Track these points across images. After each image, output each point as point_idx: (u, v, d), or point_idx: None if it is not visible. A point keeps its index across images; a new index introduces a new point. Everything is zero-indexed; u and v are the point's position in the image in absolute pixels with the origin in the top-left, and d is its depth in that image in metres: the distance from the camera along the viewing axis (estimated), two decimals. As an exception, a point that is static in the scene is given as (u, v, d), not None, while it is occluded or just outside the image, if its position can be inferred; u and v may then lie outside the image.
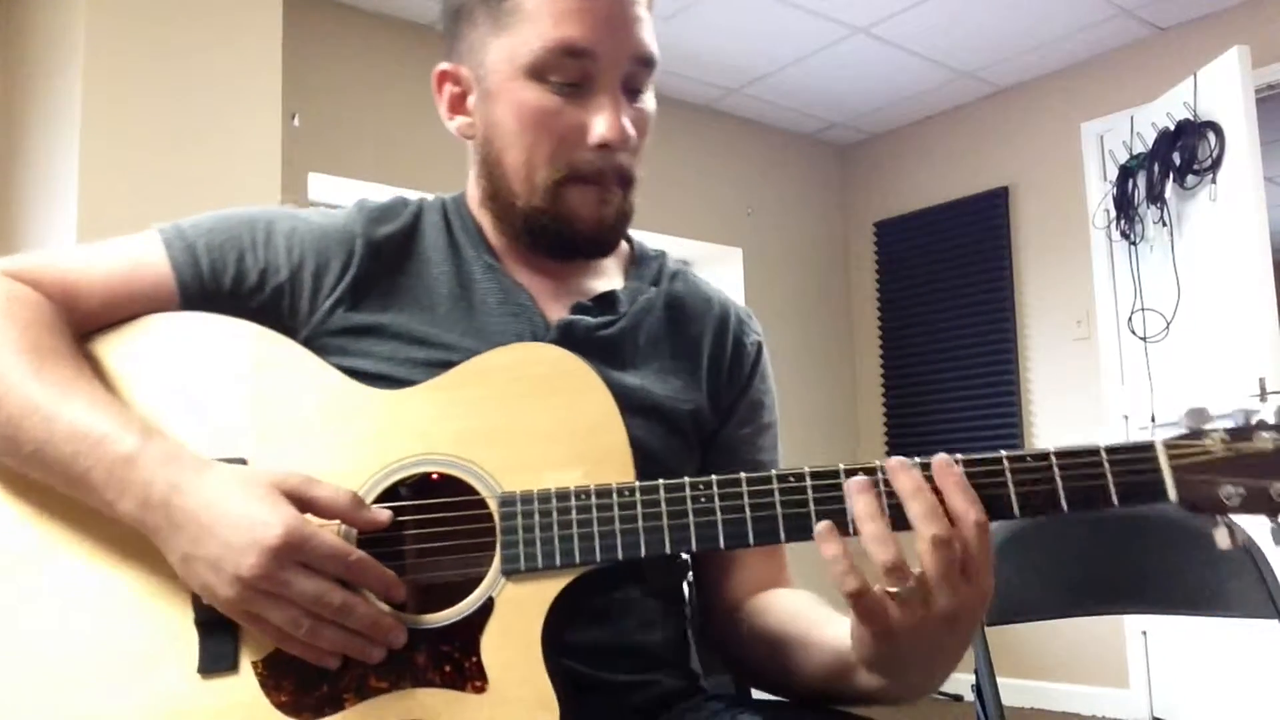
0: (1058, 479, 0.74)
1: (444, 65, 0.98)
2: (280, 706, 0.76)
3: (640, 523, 0.77)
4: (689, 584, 1.05)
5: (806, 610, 0.91)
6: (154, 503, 0.75)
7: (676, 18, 3.81)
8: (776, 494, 0.76)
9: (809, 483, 0.76)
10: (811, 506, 0.76)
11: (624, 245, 1.06)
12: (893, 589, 0.70)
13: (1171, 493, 0.73)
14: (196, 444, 0.80)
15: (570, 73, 0.89)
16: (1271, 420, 0.73)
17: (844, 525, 0.74)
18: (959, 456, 0.74)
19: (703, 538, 0.77)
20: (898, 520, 0.72)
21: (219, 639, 0.78)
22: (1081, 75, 4.27)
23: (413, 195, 1.04)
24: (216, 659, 0.77)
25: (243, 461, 0.81)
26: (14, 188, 2.83)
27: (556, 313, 0.97)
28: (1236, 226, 3.33)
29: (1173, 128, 3.58)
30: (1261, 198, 3.30)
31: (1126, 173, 3.85)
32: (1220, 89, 3.41)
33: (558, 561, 0.78)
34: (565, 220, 0.93)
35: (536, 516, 0.79)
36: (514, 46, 0.90)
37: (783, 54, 4.16)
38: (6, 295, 0.84)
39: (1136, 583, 1.40)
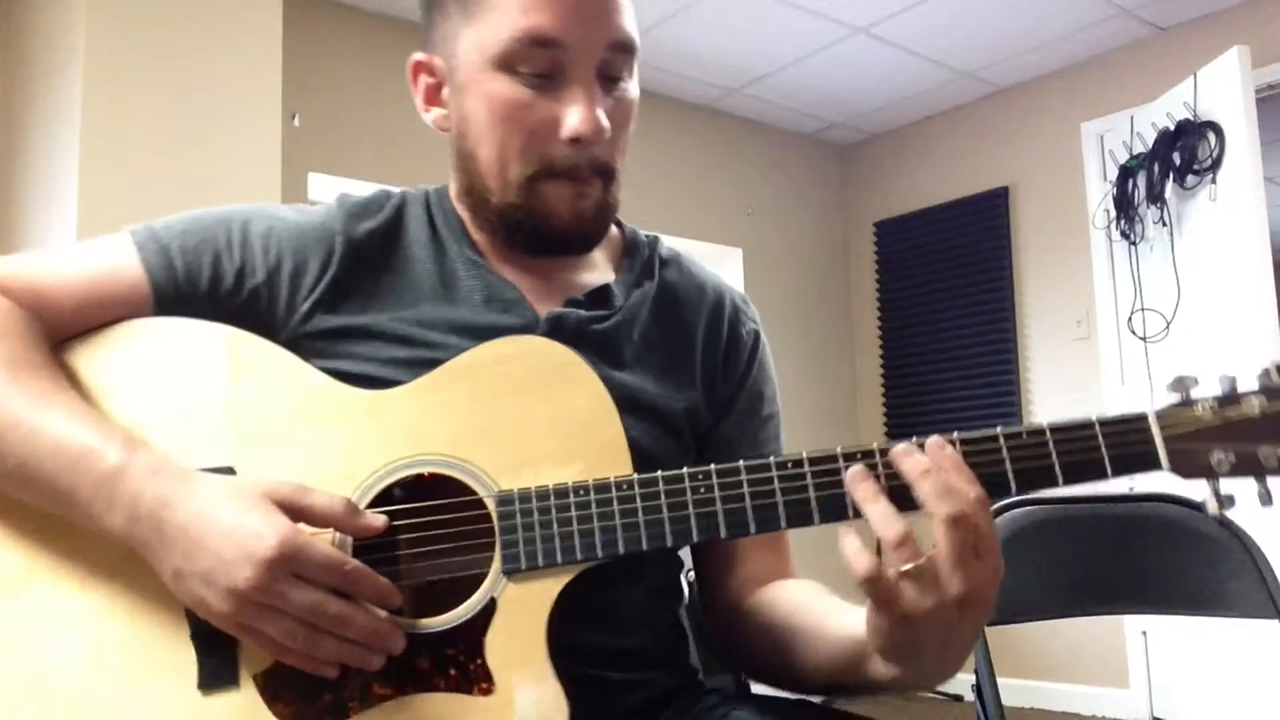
0: (1053, 453, 0.74)
1: (418, 56, 0.96)
2: (284, 718, 0.75)
3: (640, 516, 0.77)
4: (688, 581, 1.05)
5: (815, 600, 0.90)
6: (142, 517, 0.73)
7: (676, 18, 3.81)
8: (776, 481, 0.76)
9: (808, 468, 0.76)
10: (811, 493, 0.76)
11: (614, 233, 1.02)
12: (905, 566, 0.70)
13: (1164, 462, 0.74)
14: (179, 453, 0.78)
15: (540, 63, 0.86)
16: (1256, 385, 0.74)
17: (844, 510, 0.74)
18: (956, 436, 0.75)
19: (704, 528, 0.77)
20: (901, 503, 0.72)
21: (217, 653, 0.76)
22: (1081, 75, 4.27)
23: (396, 189, 1.01)
24: (216, 674, 0.76)
25: (229, 470, 0.80)
26: (14, 188, 2.83)
27: (546, 308, 0.94)
28: (1236, 226, 3.33)
29: (1173, 128, 3.58)
30: (1261, 198, 3.30)
31: (1126, 173, 3.85)
32: (1220, 89, 3.41)
33: (559, 559, 0.77)
34: (541, 217, 0.90)
35: (536, 514, 0.78)
36: (483, 37, 0.87)
37: (783, 54, 4.16)
38: None
39: (1136, 583, 1.40)
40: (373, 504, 0.80)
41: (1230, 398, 0.74)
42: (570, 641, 0.80)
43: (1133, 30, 4.01)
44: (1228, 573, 1.36)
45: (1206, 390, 0.75)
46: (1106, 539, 1.41)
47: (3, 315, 0.81)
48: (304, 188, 3.40)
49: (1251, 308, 3.24)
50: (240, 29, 2.78)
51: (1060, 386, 4.27)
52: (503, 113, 0.87)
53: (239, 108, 2.75)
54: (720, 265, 4.60)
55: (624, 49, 0.89)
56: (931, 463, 0.72)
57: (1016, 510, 1.39)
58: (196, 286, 0.88)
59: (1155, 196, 3.69)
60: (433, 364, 0.84)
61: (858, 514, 0.73)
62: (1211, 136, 3.43)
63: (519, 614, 0.77)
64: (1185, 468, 0.74)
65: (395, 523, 0.79)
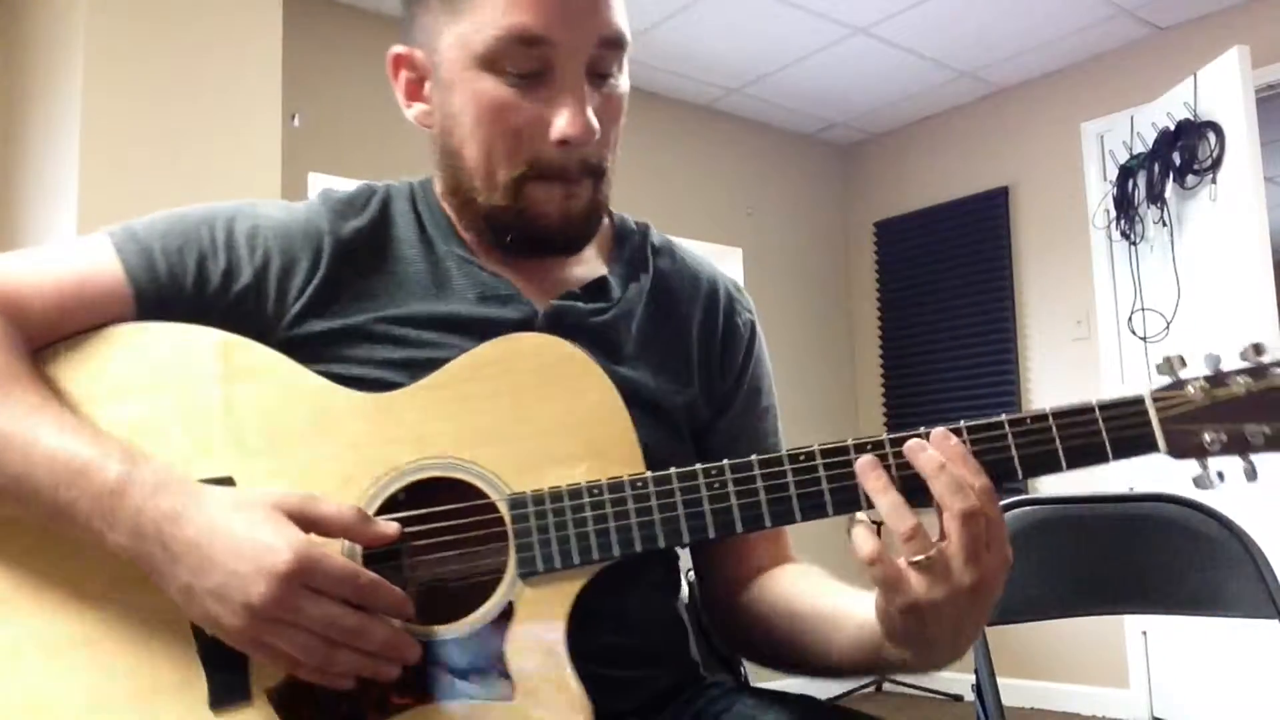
0: (1056, 438, 0.75)
1: (398, 48, 0.91)
2: None
3: (656, 514, 0.77)
4: (687, 578, 1.04)
5: (821, 585, 0.90)
6: (146, 532, 0.71)
7: (676, 17, 3.81)
8: (789, 474, 0.76)
9: (819, 460, 0.76)
10: (825, 485, 0.76)
11: (604, 222, 0.99)
12: (915, 558, 0.70)
13: (1161, 444, 0.75)
14: (175, 464, 0.75)
15: (527, 62, 0.82)
16: (1240, 365, 0.76)
17: (857, 501, 0.75)
18: (962, 424, 0.76)
19: (720, 524, 0.77)
20: (910, 494, 0.73)
21: (227, 670, 0.73)
22: (1081, 75, 4.27)
23: (380, 184, 0.98)
24: (228, 691, 0.73)
25: (228, 480, 0.77)
26: (14, 188, 2.83)
27: (542, 302, 0.91)
28: (1236, 226, 3.33)
29: (1173, 128, 3.58)
30: (1261, 198, 3.30)
31: (1126, 173, 3.85)
32: (1220, 89, 3.41)
33: (576, 560, 0.76)
34: (530, 218, 0.87)
35: (550, 516, 0.77)
36: (467, 34, 0.83)
37: (783, 54, 4.16)
38: None
39: (1136, 583, 1.40)
40: (380, 510, 0.78)
41: (1218, 378, 0.76)
42: (572, 641, 0.79)
43: (1133, 30, 4.01)
44: (1228, 573, 1.36)
45: (1195, 370, 0.77)
46: (1106, 539, 1.41)
47: None
48: (304, 188, 3.40)
49: (1251, 307, 3.24)
50: (240, 29, 2.78)
51: (1060, 386, 4.27)
52: (489, 114, 0.84)
53: (239, 108, 2.75)
54: (720, 265, 4.57)
55: (614, 45, 0.86)
56: (943, 459, 0.73)
57: (1017, 509, 1.38)
58: (181, 288, 0.84)
59: (1155, 196, 3.69)
60: (429, 364, 0.82)
61: (870, 504, 0.74)
62: (1211, 136, 3.43)
63: (537, 617, 0.76)
64: (1179, 449, 0.75)
65: (405, 529, 0.77)
